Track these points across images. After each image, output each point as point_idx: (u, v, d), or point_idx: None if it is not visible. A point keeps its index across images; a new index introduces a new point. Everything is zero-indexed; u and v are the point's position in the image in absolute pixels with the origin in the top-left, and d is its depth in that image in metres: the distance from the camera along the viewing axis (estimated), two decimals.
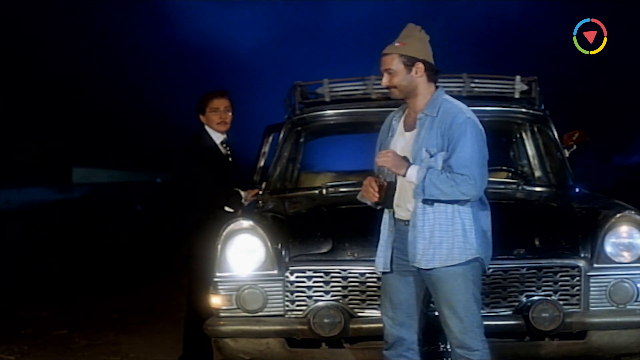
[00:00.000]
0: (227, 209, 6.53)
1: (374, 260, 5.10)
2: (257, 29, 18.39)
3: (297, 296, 5.46)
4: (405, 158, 4.90)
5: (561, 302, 5.37)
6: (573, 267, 5.42)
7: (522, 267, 5.41)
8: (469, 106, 5.02)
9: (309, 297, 5.45)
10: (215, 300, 5.51)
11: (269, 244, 5.47)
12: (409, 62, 4.91)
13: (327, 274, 5.45)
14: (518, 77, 6.88)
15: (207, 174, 6.62)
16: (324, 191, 6.38)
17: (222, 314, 5.50)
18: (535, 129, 6.93)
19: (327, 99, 6.95)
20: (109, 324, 8.73)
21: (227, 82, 9.49)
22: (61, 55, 17.87)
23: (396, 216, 4.99)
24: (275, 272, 5.46)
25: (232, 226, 5.54)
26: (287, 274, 5.46)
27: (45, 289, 10.40)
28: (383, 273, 5.05)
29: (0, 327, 8.54)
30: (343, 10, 18.24)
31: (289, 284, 5.46)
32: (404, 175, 4.86)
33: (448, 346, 5.14)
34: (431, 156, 4.85)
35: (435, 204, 4.84)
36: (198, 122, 6.82)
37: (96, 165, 21.19)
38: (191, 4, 18.86)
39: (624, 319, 5.39)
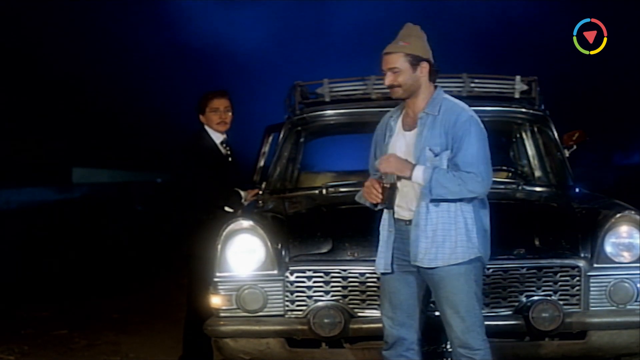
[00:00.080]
0: (227, 209, 6.53)
1: (374, 261, 5.09)
2: (257, 29, 18.39)
3: (297, 296, 5.46)
4: (406, 160, 4.90)
5: (561, 302, 5.36)
6: (573, 267, 5.42)
7: (522, 267, 5.41)
8: (469, 106, 5.03)
9: (309, 297, 5.45)
10: (215, 300, 5.51)
11: (269, 244, 5.47)
12: (415, 62, 4.92)
13: (327, 274, 5.45)
14: (518, 77, 6.88)
15: (207, 174, 6.62)
16: (324, 191, 6.38)
17: (222, 314, 5.50)
18: (535, 129, 6.93)
19: (327, 99, 6.95)
20: (109, 324, 8.73)
21: (227, 82, 9.50)
22: (61, 55, 17.87)
23: (396, 216, 4.99)
24: (275, 272, 5.46)
25: (232, 226, 5.54)
26: (287, 274, 5.46)
27: (45, 289, 10.40)
28: (383, 274, 5.05)
29: (0, 327, 8.54)
30: (343, 11, 18.26)
31: (289, 284, 5.46)
32: (410, 177, 4.87)
33: (448, 346, 5.14)
34: (435, 155, 4.85)
35: (439, 203, 4.84)
36: (198, 122, 6.82)
37: (96, 165, 21.20)
38: (191, 4, 18.87)
39: (624, 319, 5.38)
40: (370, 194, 4.94)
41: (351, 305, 5.42)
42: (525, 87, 6.87)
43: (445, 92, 5.08)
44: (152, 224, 15.64)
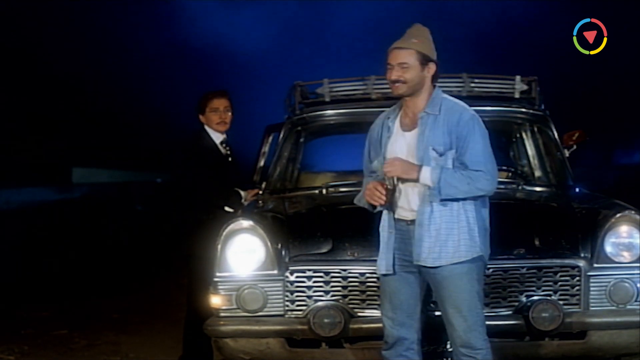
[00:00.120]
0: (227, 209, 6.53)
1: (374, 260, 5.09)
2: (257, 29, 18.40)
3: (297, 296, 5.46)
4: (410, 162, 4.90)
5: (561, 302, 5.36)
6: (573, 267, 5.42)
7: (522, 267, 5.41)
8: (469, 106, 5.04)
9: (309, 297, 5.45)
10: (215, 300, 5.51)
11: (269, 244, 5.47)
12: (424, 61, 4.93)
13: (327, 274, 5.45)
14: (518, 77, 6.88)
15: (207, 174, 6.62)
16: (324, 191, 6.38)
17: (222, 314, 5.50)
18: (535, 129, 6.93)
19: (327, 99, 6.95)
20: (109, 324, 8.73)
21: (227, 82, 9.51)
22: (61, 55, 17.88)
23: (397, 216, 4.98)
24: (275, 272, 5.46)
25: (232, 226, 5.54)
26: (287, 273, 5.46)
27: (45, 289, 10.40)
28: (384, 274, 5.04)
29: (0, 327, 8.54)
30: (343, 11, 18.26)
31: (289, 284, 5.46)
32: (417, 179, 4.86)
33: (448, 346, 5.14)
34: (440, 155, 4.85)
35: (442, 202, 4.84)
36: (198, 122, 6.82)
37: (96, 165, 21.19)
38: (191, 4, 18.88)
39: (624, 319, 5.38)
40: (373, 196, 4.93)
41: (351, 305, 5.42)
42: (525, 87, 6.88)
43: (445, 92, 5.10)
44: (152, 224, 15.63)
